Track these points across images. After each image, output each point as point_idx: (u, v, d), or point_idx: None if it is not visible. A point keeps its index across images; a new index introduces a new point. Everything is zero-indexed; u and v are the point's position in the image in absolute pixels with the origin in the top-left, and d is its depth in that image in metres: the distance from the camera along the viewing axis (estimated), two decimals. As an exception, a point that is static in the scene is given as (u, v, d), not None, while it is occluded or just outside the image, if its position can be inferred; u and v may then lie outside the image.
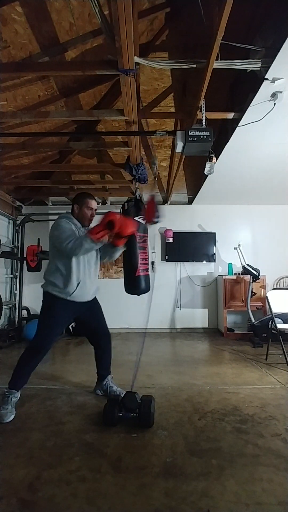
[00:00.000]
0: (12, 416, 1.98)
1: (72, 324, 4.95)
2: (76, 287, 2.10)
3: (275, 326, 3.23)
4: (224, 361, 3.49)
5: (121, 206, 2.88)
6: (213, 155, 3.00)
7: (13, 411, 2.01)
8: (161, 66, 2.34)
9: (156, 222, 2.14)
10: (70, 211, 2.28)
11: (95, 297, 2.32)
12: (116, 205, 5.31)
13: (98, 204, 5.47)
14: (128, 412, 1.92)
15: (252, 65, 2.24)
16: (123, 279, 2.78)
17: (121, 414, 1.91)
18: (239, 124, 2.82)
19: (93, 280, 2.23)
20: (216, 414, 2.08)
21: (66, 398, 2.34)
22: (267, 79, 2.24)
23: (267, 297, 3.43)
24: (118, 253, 2.27)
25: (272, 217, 5.56)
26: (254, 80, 2.38)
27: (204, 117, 2.70)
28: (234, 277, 5.02)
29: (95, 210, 2.27)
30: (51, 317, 2.15)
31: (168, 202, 5.51)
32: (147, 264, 2.74)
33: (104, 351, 2.40)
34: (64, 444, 1.69)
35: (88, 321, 2.34)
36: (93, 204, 2.25)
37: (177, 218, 5.53)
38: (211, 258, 5.41)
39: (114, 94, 3.34)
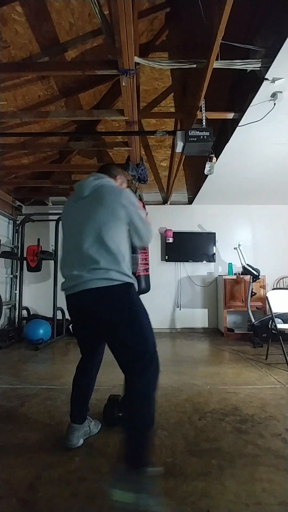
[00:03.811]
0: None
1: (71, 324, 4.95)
2: None
3: (275, 326, 3.23)
4: (224, 361, 3.49)
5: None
6: (213, 155, 3.00)
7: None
8: (161, 66, 2.34)
9: None
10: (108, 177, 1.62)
11: None
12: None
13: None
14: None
15: (252, 65, 2.24)
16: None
17: (121, 414, 1.91)
18: (239, 124, 2.82)
19: None
20: (216, 414, 2.07)
21: (66, 398, 2.34)
22: (267, 79, 2.24)
23: (267, 297, 3.42)
24: None
25: (272, 217, 5.56)
26: (254, 80, 2.39)
27: (204, 117, 2.70)
28: (234, 277, 5.02)
29: None
30: (147, 316, 1.45)
31: (168, 202, 5.51)
32: (147, 264, 2.74)
33: (94, 376, 1.78)
34: (64, 444, 1.69)
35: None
36: None
37: (177, 218, 5.53)
38: (211, 258, 5.41)
39: (114, 94, 3.34)
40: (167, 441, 1.73)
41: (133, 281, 1.45)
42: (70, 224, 1.55)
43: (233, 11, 1.80)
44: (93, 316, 1.45)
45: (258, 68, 2.24)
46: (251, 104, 2.52)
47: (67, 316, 4.97)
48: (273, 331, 3.32)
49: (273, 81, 2.25)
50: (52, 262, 5.05)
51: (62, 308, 4.76)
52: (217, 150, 3.40)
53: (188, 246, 5.40)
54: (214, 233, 5.45)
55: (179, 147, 2.83)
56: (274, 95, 2.42)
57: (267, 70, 2.16)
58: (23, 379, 2.80)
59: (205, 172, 3.12)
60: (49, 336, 4.32)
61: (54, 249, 5.02)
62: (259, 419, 2.00)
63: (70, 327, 4.94)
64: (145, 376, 1.33)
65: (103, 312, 1.39)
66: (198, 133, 2.66)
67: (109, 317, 1.38)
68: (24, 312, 5.01)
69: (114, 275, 1.37)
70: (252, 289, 4.69)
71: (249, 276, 4.68)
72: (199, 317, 5.41)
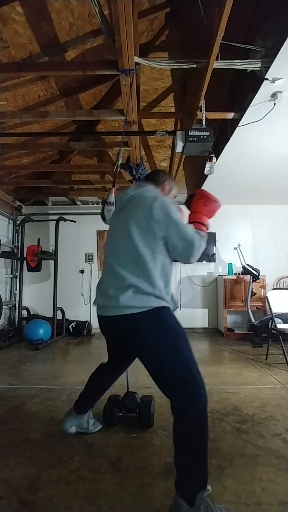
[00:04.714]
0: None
1: (72, 324, 4.96)
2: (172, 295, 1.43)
3: (275, 326, 3.23)
4: (224, 361, 3.49)
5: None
6: (213, 155, 3.00)
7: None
8: (161, 66, 2.34)
9: None
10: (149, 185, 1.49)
11: None
12: (116, 205, 5.32)
13: (98, 204, 5.53)
14: (128, 412, 1.91)
15: (252, 65, 2.24)
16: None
17: (121, 414, 1.91)
18: (239, 124, 2.82)
19: None
20: (216, 414, 2.07)
21: (66, 398, 2.34)
22: (267, 79, 2.24)
23: (267, 297, 3.42)
24: None
25: (272, 217, 5.55)
26: (254, 80, 2.39)
27: (204, 117, 2.70)
28: (234, 277, 5.02)
29: None
30: (185, 338, 1.32)
31: (168, 202, 5.50)
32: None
33: (114, 379, 1.78)
34: (64, 444, 1.69)
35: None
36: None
37: (177, 218, 5.52)
38: (211, 258, 5.40)
39: (114, 94, 3.34)
40: (167, 441, 1.73)
41: (167, 303, 1.32)
42: (109, 238, 1.47)
43: (233, 11, 1.79)
44: (125, 340, 1.39)
45: (258, 68, 2.24)
46: (251, 104, 2.52)
47: (67, 316, 5.00)
48: (273, 331, 3.32)
49: (273, 81, 2.25)
50: (52, 262, 5.05)
51: (62, 308, 4.77)
52: (217, 150, 3.40)
53: (188, 246, 5.39)
54: (214, 233, 5.44)
55: (179, 147, 2.83)
56: (274, 95, 2.42)
57: (267, 70, 2.16)
58: (23, 379, 2.80)
59: (205, 172, 3.12)
60: (49, 336, 4.32)
61: (54, 249, 5.02)
62: (259, 419, 2.00)
63: (71, 327, 4.94)
64: (195, 405, 1.19)
65: (134, 339, 1.31)
66: (198, 133, 2.65)
67: (140, 344, 1.30)
68: (24, 312, 5.01)
69: (143, 299, 1.26)
70: (252, 289, 4.69)
71: (249, 276, 4.68)
72: (199, 317, 5.41)
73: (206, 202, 1.49)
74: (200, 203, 1.48)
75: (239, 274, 5.05)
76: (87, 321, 5.07)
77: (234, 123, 2.90)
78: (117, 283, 1.31)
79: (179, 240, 1.30)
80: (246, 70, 2.30)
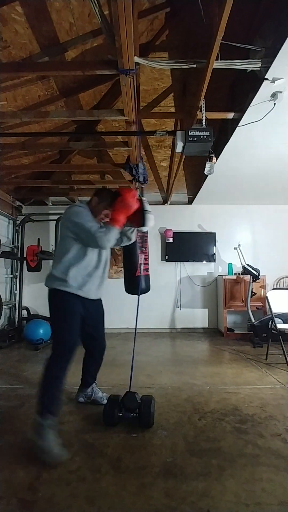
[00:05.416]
0: (61, 451, 1.58)
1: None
2: (87, 281, 1.91)
3: (275, 326, 3.23)
4: (224, 361, 3.49)
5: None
6: (213, 155, 3.00)
7: (57, 442, 1.60)
8: (161, 66, 2.34)
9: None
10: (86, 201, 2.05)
11: (100, 300, 2.15)
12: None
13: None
14: (128, 412, 1.92)
15: (252, 65, 2.23)
16: (123, 279, 2.79)
17: (121, 414, 1.91)
18: (239, 124, 2.82)
19: (102, 278, 2.03)
20: (216, 414, 2.08)
21: (65, 398, 2.34)
22: (267, 79, 2.24)
23: (267, 297, 3.43)
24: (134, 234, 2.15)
25: (272, 217, 5.56)
26: (254, 80, 2.38)
27: (204, 117, 2.70)
28: (234, 277, 5.02)
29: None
30: (66, 314, 1.88)
31: (168, 202, 5.51)
32: (148, 264, 2.74)
33: (96, 361, 2.23)
34: (64, 444, 1.69)
35: (90, 324, 2.06)
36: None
37: (177, 218, 5.53)
38: (211, 258, 5.41)
39: (114, 94, 3.34)
40: (167, 441, 1.73)
41: (60, 284, 1.85)
42: None
43: (233, 11, 1.79)
44: None
45: (258, 68, 2.24)
46: (251, 104, 2.52)
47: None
48: (273, 331, 3.32)
49: (273, 81, 2.25)
50: (52, 262, 5.04)
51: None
52: (217, 150, 3.40)
53: (188, 246, 5.40)
54: (214, 233, 5.45)
55: (179, 147, 2.83)
56: (274, 95, 2.41)
57: (267, 70, 2.16)
58: (23, 379, 2.80)
59: (205, 172, 3.12)
60: (49, 336, 4.32)
61: (54, 249, 5.01)
62: (259, 419, 2.00)
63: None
64: (50, 357, 1.82)
65: None
66: (198, 133, 2.65)
67: None
68: (24, 312, 5.01)
69: (50, 281, 1.89)
70: (252, 289, 4.69)
71: (249, 276, 4.68)
72: (199, 317, 5.41)
73: (116, 202, 1.88)
74: (114, 202, 1.89)
75: (239, 274, 5.05)
76: (87, 321, 5.06)
77: (234, 123, 2.90)
78: None
79: (84, 234, 1.83)
80: (246, 70, 2.30)
